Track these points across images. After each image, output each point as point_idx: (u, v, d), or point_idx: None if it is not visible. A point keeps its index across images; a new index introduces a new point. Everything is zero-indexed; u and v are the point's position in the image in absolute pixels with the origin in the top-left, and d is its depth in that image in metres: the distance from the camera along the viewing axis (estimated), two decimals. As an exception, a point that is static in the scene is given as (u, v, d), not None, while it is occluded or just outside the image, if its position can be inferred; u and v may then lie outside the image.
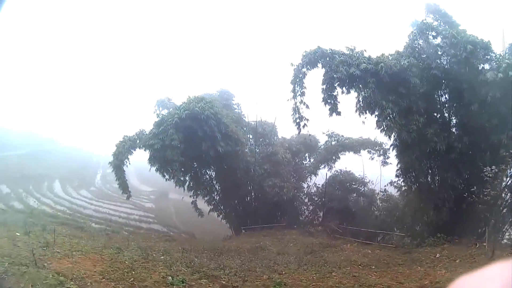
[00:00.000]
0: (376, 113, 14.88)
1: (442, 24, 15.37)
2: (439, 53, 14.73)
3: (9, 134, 41.00)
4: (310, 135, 20.47)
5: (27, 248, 7.81)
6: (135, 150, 18.19)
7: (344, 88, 15.07)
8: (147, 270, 8.38)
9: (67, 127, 67.94)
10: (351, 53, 15.10)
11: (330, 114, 15.21)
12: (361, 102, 14.87)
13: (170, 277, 8.05)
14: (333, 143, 19.89)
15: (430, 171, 15.20)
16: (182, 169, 17.24)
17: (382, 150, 18.67)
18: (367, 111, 15.09)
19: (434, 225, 13.86)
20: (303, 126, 15.55)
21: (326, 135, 19.85)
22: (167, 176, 17.16)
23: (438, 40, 15.03)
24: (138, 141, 18.19)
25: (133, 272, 7.88)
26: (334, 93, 15.11)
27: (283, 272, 9.57)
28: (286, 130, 20.63)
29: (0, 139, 35.81)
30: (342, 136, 19.42)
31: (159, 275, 8.16)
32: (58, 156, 41.82)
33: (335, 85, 15.03)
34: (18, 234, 9.75)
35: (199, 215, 18.80)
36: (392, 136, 14.65)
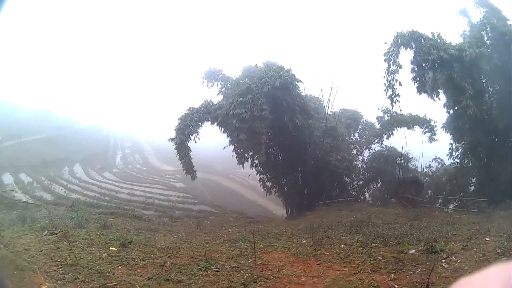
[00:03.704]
0: (455, 93, 16.09)
1: (493, 19, 16.92)
2: (493, 44, 16.42)
3: (29, 117, 36.08)
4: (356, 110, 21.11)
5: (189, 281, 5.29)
6: (203, 123, 16.12)
7: (428, 69, 15.98)
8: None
9: (91, 105, 71.68)
10: (435, 37, 15.95)
11: (418, 92, 16.06)
12: (445, 83, 15.99)
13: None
14: (385, 118, 20.52)
15: (489, 147, 17.08)
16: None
17: (429, 127, 19.84)
18: (448, 91, 16.45)
19: (491, 194, 15.74)
20: (395, 102, 15.96)
21: (381, 110, 20.45)
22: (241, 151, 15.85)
23: (494, 34, 16.61)
24: (203, 114, 16.14)
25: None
26: (423, 73, 15.91)
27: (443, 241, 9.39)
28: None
29: (19, 122, 31.72)
30: (395, 112, 20.08)
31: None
32: (77, 138, 36.77)
33: (423, 65, 15.80)
34: (113, 249, 7.00)
35: (267, 192, 17.87)
36: (468, 113, 15.95)
